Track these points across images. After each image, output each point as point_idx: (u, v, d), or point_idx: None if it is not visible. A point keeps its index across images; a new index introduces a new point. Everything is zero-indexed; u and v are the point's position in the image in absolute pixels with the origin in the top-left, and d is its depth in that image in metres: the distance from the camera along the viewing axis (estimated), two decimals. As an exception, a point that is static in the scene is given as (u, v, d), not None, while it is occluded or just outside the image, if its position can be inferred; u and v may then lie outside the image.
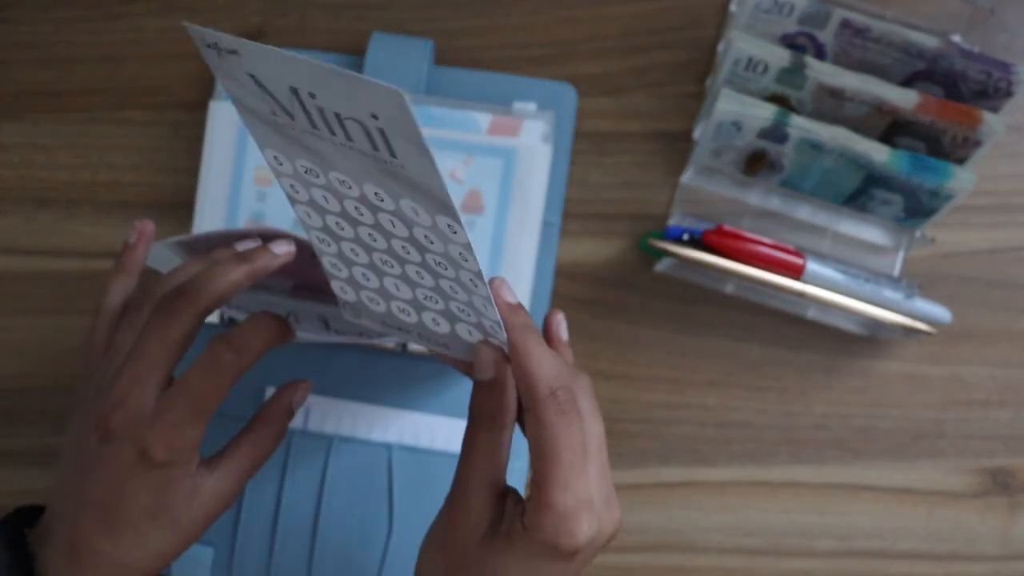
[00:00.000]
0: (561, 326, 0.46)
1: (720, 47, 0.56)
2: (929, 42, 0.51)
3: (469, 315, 0.38)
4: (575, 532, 0.36)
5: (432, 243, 0.35)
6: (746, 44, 0.51)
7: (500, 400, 0.39)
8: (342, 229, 0.38)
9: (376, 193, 0.35)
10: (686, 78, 0.57)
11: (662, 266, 0.55)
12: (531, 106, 0.55)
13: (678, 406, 0.55)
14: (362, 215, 0.36)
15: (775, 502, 0.55)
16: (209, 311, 0.41)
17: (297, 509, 0.53)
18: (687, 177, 0.56)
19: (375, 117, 0.31)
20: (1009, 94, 0.51)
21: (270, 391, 0.54)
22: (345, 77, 0.30)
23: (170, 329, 0.40)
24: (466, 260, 0.35)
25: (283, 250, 0.43)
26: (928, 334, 0.54)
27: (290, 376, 0.55)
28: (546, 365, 0.37)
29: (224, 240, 0.44)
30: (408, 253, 0.37)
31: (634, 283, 0.56)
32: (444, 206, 0.33)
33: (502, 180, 0.54)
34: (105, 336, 0.44)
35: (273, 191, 0.54)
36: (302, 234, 0.43)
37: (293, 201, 0.37)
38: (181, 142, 0.57)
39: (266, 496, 0.54)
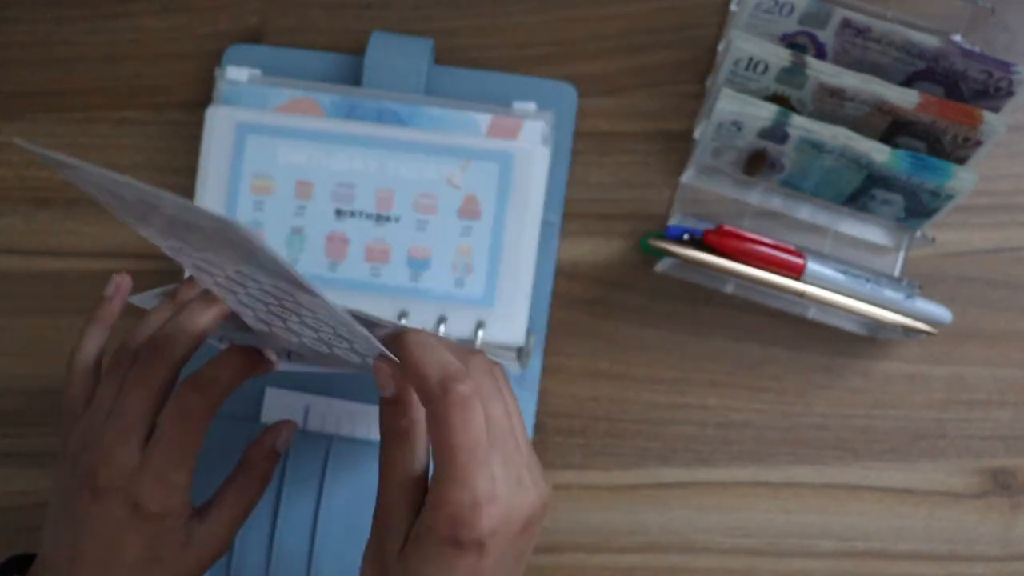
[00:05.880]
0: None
1: (720, 47, 0.56)
2: (930, 42, 0.51)
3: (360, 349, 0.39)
4: (474, 525, 0.35)
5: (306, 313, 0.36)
6: (746, 44, 0.51)
7: (405, 414, 0.39)
8: (230, 289, 0.38)
9: (238, 271, 0.35)
10: (686, 78, 0.57)
11: (662, 266, 0.55)
12: (531, 106, 0.55)
13: (678, 406, 0.55)
14: (237, 284, 0.37)
15: (775, 502, 0.55)
16: (184, 360, 0.42)
17: (296, 509, 0.53)
18: (687, 177, 0.56)
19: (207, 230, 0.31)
20: (1010, 94, 0.51)
21: (271, 392, 0.54)
22: (181, 206, 0.30)
23: (148, 384, 0.41)
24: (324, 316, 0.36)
25: None
26: (929, 334, 0.54)
27: (290, 377, 0.55)
28: (432, 361, 0.37)
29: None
30: (288, 314, 0.37)
31: (634, 283, 0.56)
32: (303, 286, 0.33)
33: (499, 185, 0.53)
34: (83, 389, 0.44)
35: (270, 200, 0.54)
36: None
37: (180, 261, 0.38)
38: (181, 142, 0.57)
39: (265, 496, 0.54)
